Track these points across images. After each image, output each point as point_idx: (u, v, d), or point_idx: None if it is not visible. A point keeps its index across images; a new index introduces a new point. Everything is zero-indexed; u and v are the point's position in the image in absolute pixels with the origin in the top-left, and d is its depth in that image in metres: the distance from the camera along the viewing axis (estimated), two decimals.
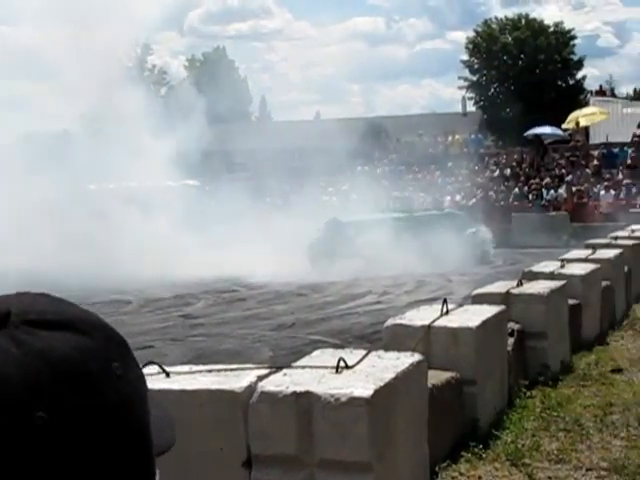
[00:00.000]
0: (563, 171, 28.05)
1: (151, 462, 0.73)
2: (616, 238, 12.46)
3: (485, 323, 5.61)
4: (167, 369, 3.96)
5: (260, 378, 3.86)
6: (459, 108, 54.19)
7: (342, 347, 8.47)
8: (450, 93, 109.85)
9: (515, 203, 26.22)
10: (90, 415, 0.67)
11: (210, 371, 4.00)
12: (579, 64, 54.94)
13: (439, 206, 23.74)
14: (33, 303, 0.71)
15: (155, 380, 3.85)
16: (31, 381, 0.65)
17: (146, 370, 3.95)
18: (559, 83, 53.85)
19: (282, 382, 3.79)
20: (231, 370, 4.05)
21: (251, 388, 3.77)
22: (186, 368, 4.13)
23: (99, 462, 0.67)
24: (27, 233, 19.27)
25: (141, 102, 23.25)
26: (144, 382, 0.74)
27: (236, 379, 3.86)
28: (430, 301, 11.78)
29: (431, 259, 18.47)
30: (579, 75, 55.15)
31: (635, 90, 64.32)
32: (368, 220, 19.92)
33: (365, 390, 3.61)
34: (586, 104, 41.07)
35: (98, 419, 0.67)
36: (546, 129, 32.29)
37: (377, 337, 8.22)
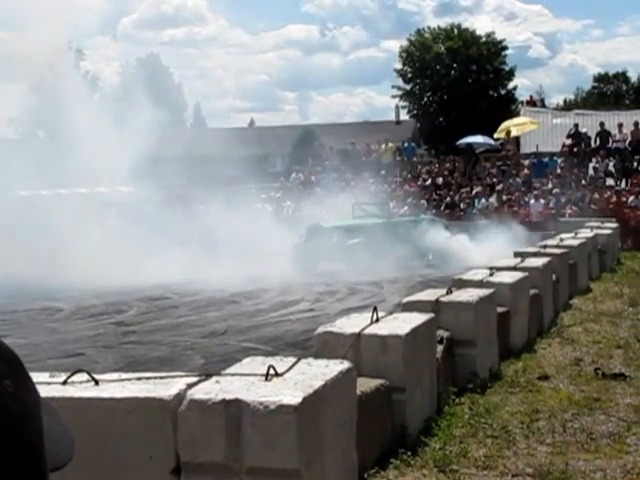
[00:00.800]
0: (494, 180, 28.56)
1: (44, 477, 0.73)
2: (545, 247, 12.75)
3: (414, 331, 5.68)
4: (96, 377, 3.93)
5: (189, 386, 3.86)
6: (392, 117, 54.79)
7: (274, 354, 8.50)
8: (384, 102, 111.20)
9: (447, 212, 26.60)
10: None
11: (139, 379, 3.98)
12: (510, 74, 56.02)
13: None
14: None
15: (84, 388, 3.83)
16: None
17: (75, 378, 3.92)
18: (491, 93, 54.84)
19: (211, 390, 3.79)
20: (160, 378, 4.04)
21: (180, 396, 3.76)
22: (115, 376, 4.10)
23: None
24: None
25: (74, 107, 22.93)
26: (37, 398, 0.75)
27: (165, 387, 3.85)
28: (362, 309, 11.89)
29: (413, 264, 19.17)
30: (510, 85, 56.29)
31: (565, 101, 66.09)
32: (351, 225, 20.29)
33: (294, 398, 3.64)
34: (517, 114, 41.91)
35: None
36: (478, 138, 32.81)
37: (309, 344, 8.24)
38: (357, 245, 19.49)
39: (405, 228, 20.43)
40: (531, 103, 43.66)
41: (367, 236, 19.46)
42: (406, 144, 35.59)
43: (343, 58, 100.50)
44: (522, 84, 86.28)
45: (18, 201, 22.19)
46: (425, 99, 55.53)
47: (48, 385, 3.80)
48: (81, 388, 3.84)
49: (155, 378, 4.00)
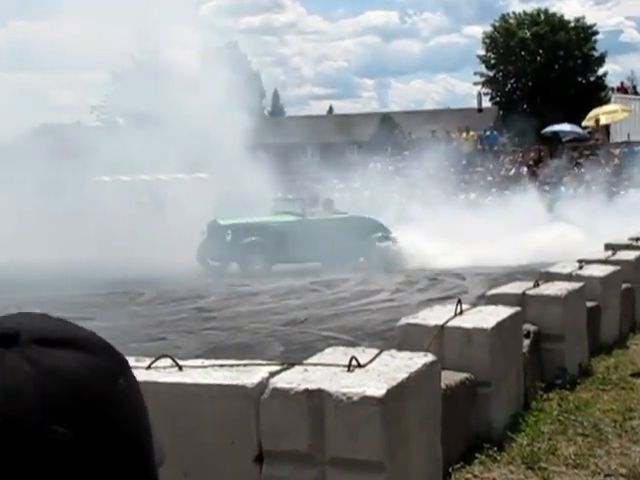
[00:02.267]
0: (582, 170, 27.86)
1: (155, 476, 0.74)
2: (637, 239, 12.31)
3: (500, 324, 5.55)
4: (180, 362, 3.94)
5: (272, 374, 3.85)
6: (474, 104, 53.95)
7: (354, 344, 8.45)
8: (465, 88, 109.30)
9: None
10: (103, 430, 0.68)
11: (222, 366, 3.98)
12: (600, 60, 54.44)
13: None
14: (39, 323, 0.73)
15: (168, 374, 3.85)
16: (47, 398, 0.66)
17: (159, 363, 3.93)
18: (579, 79, 53.46)
19: (294, 379, 3.77)
20: (243, 365, 4.02)
21: (262, 384, 3.75)
22: (198, 362, 4.11)
23: (111, 476, 0.69)
24: (42, 226, 19.26)
25: (152, 96, 23.22)
26: (142, 398, 0.76)
27: (248, 375, 3.84)
28: (443, 300, 11.73)
29: (322, 266, 18.07)
30: (600, 71, 54.70)
31: None
32: (249, 223, 19.00)
33: (378, 389, 3.59)
34: (607, 101, 40.72)
35: (110, 434, 0.69)
36: (565, 126, 32.07)
37: (390, 335, 8.17)
38: (252, 245, 18.54)
39: (325, 227, 18.75)
40: (622, 90, 42.37)
41: (266, 235, 18.47)
42: (488, 132, 35.00)
43: (423, 44, 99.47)
44: (613, 70, 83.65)
45: (100, 186, 22.50)
46: (509, 86, 54.59)
47: (133, 370, 3.81)
48: (165, 373, 3.86)
49: (238, 365, 3.99)
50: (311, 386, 3.66)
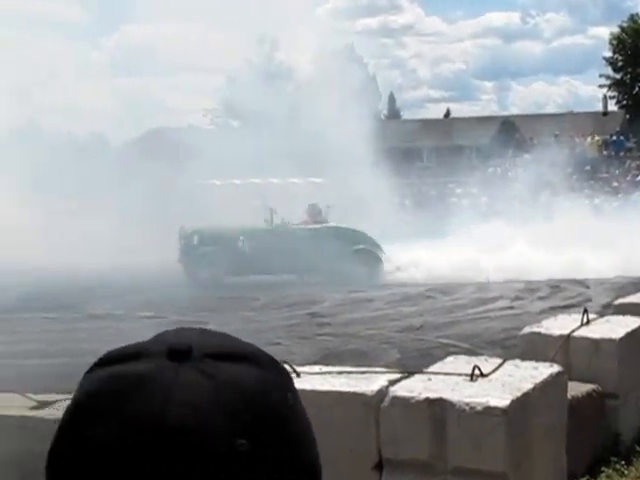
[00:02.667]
0: None
1: None
2: None
3: (630, 335, 5.35)
4: (297, 369, 3.93)
5: (391, 382, 3.80)
6: (599, 107, 52.35)
7: (473, 352, 8.29)
8: (589, 91, 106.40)
9: None
10: (279, 444, 0.69)
11: (340, 373, 3.96)
12: None
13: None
14: (208, 338, 0.73)
15: None
16: (228, 411, 0.67)
17: None
18: None
19: (414, 387, 3.72)
20: (361, 373, 3.99)
21: (382, 392, 3.71)
22: (316, 368, 4.11)
23: None
24: (151, 229, 19.59)
25: (267, 98, 23.42)
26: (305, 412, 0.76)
27: (367, 382, 3.81)
28: (565, 309, 11.40)
29: (294, 278, 17.35)
30: None
31: None
32: (211, 231, 18.32)
33: (502, 400, 3.51)
34: None
35: (284, 447, 0.69)
36: None
37: (510, 343, 7.98)
38: (209, 254, 17.84)
39: (295, 237, 17.88)
40: None
41: (226, 244, 17.78)
42: (614, 137, 33.92)
43: (545, 45, 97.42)
44: None
45: (210, 189, 22.63)
46: (637, 89, 52.67)
47: None
48: None
49: (356, 373, 3.96)
50: (432, 395, 3.60)
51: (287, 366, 3.93)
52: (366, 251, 18.23)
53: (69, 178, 21.35)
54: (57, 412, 3.41)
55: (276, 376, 0.72)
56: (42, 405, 3.50)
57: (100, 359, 0.73)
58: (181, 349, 0.70)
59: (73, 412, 0.70)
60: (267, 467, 0.67)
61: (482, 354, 6.86)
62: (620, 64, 52.76)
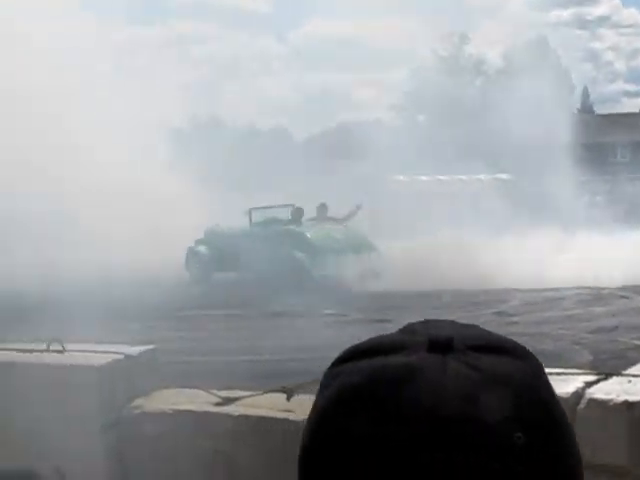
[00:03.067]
0: None
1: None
2: None
3: None
4: None
5: (588, 384, 3.76)
6: None
7: None
8: None
9: None
10: (550, 436, 0.68)
11: None
12: None
13: None
14: (464, 329, 0.72)
15: None
16: (500, 403, 0.66)
17: None
18: None
19: (612, 390, 3.66)
20: (557, 374, 3.98)
21: (578, 394, 3.68)
22: None
23: None
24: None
25: (455, 92, 23.05)
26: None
27: (563, 383, 3.78)
28: None
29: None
30: None
31: None
32: (207, 233, 18.79)
33: None
34: None
35: (556, 440, 0.68)
36: None
37: None
38: (194, 253, 18.36)
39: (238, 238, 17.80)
40: None
41: (212, 244, 17.99)
42: None
43: None
44: None
45: (395, 185, 22.50)
46: None
47: None
48: None
49: (551, 374, 3.94)
50: (632, 398, 3.54)
51: None
52: (295, 260, 17.67)
53: (252, 172, 21.89)
54: (239, 409, 3.56)
55: (535, 365, 0.72)
56: (226, 402, 3.57)
57: (348, 352, 0.71)
58: (442, 341, 0.68)
59: (334, 405, 0.69)
60: (541, 461, 0.66)
61: None
62: None
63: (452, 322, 0.73)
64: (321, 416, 0.69)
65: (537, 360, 0.73)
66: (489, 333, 0.73)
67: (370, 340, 0.72)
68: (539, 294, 15.55)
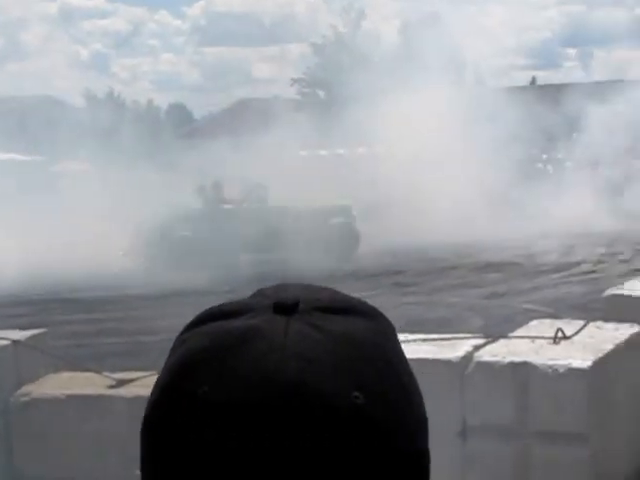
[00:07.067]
0: None
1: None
2: None
3: None
4: None
5: (476, 348, 3.86)
6: None
7: (557, 317, 8.28)
8: None
9: None
10: (395, 395, 0.68)
11: (425, 340, 4.04)
12: None
13: None
14: (313, 292, 0.71)
15: None
16: (344, 364, 0.66)
17: None
18: None
19: (499, 352, 3.78)
20: (447, 339, 4.07)
21: (467, 358, 3.77)
22: (402, 337, 4.17)
23: (400, 440, 0.68)
24: None
25: (354, 68, 22.75)
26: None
27: (452, 348, 3.88)
28: None
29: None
30: None
31: None
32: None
33: (584, 361, 3.56)
34: None
35: (400, 400, 0.68)
36: None
37: (593, 307, 7.96)
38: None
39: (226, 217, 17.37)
40: None
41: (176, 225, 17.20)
42: None
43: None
44: None
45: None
46: None
47: None
48: None
49: (442, 340, 4.04)
50: (516, 359, 3.67)
51: None
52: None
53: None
54: (134, 390, 3.50)
55: (385, 326, 0.71)
56: (119, 384, 3.45)
57: (198, 317, 0.70)
58: (288, 303, 0.68)
59: (177, 370, 0.68)
60: (384, 419, 0.66)
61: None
62: None
63: (307, 286, 0.72)
64: (163, 380, 0.68)
65: (388, 321, 0.72)
66: (340, 295, 0.72)
67: (221, 305, 0.71)
68: (434, 264, 15.85)
